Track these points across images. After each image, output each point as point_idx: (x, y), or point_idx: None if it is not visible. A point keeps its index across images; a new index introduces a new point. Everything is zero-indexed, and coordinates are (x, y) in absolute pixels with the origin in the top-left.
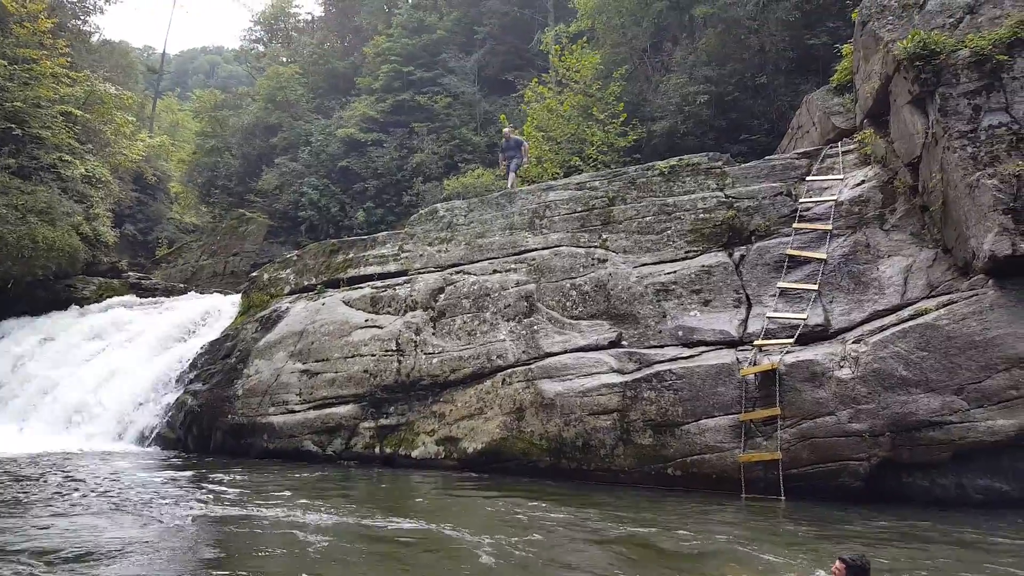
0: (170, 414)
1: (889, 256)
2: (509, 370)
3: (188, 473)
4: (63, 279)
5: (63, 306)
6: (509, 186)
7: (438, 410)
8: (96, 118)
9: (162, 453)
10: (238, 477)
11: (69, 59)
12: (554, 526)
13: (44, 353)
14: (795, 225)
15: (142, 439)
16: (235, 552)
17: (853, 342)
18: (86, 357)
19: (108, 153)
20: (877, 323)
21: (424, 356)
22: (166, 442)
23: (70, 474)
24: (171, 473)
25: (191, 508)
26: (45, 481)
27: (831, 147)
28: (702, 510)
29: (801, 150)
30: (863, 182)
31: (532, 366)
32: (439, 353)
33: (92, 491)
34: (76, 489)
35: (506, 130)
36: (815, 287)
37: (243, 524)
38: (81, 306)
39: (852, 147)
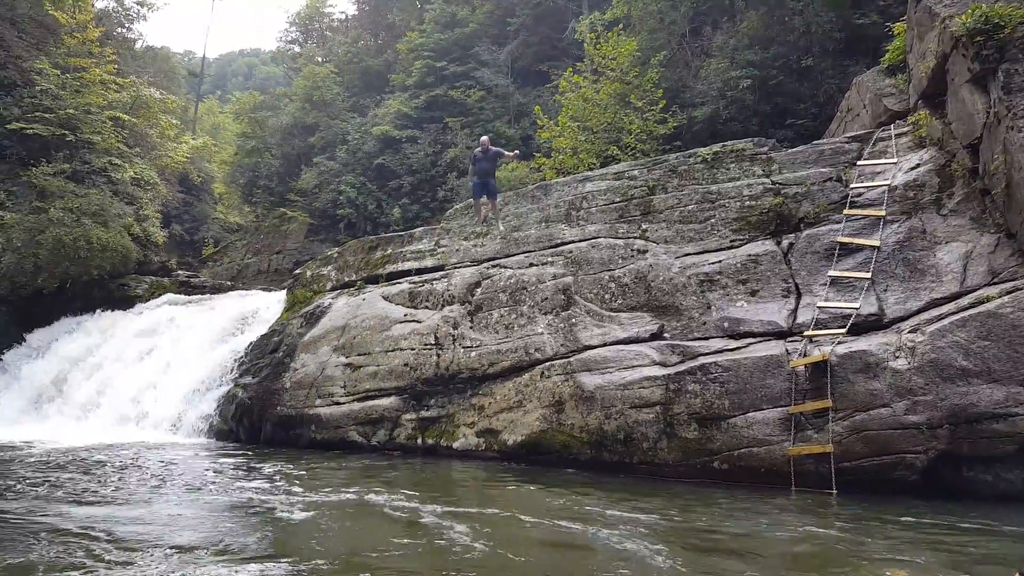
0: (222, 406)
1: (947, 242)
2: (547, 363)
3: (243, 461)
4: (117, 278)
5: (117, 304)
6: (482, 221)
7: (477, 403)
8: (142, 122)
9: (216, 443)
10: (290, 464)
11: (116, 66)
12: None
13: (101, 350)
14: (846, 212)
15: (196, 431)
16: (294, 532)
17: (909, 332)
18: (141, 353)
19: (155, 156)
20: (935, 312)
21: (462, 350)
22: (219, 433)
23: (135, 463)
24: (227, 460)
25: (251, 491)
26: (112, 470)
27: (883, 130)
28: (773, 503)
29: (851, 134)
30: (918, 166)
31: (571, 359)
32: (477, 347)
33: (156, 477)
34: (142, 476)
35: (484, 139)
36: (868, 275)
37: (302, 506)
38: (134, 304)
39: (906, 130)
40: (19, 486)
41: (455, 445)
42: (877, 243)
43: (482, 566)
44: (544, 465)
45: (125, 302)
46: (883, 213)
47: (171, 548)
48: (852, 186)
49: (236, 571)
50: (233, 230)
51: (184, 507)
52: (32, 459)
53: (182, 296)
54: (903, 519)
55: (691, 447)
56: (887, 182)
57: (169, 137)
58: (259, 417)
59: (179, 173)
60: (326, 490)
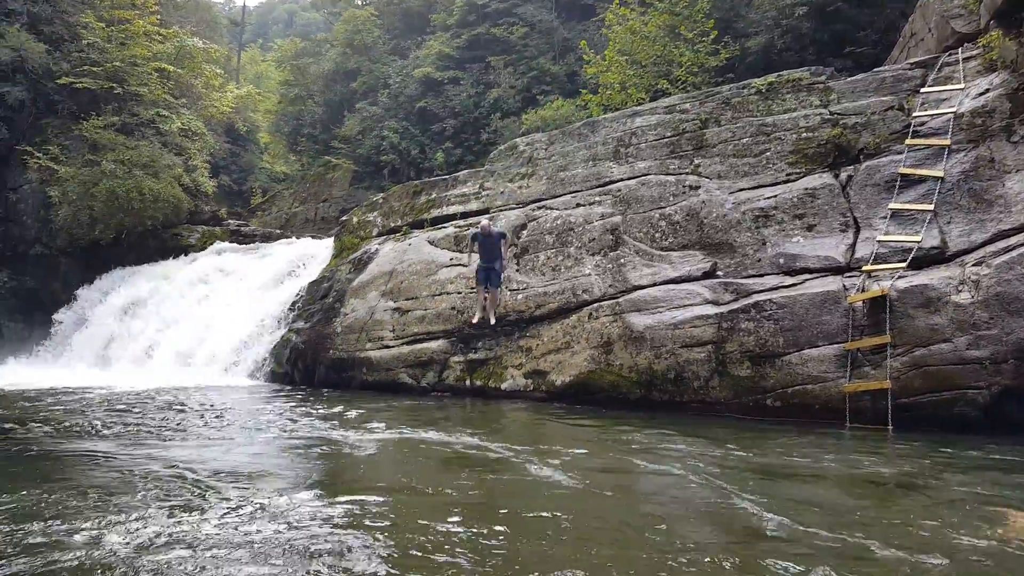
0: (276, 350)
1: (1017, 171)
2: (595, 304)
3: (301, 402)
4: (170, 228)
5: (172, 253)
6: (479, 314)
7: (525, 345)
8: (187, 73)
9: (271, 385)
10: (347, 405)
11: (158, 17)
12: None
13: (158, 297)
14: (908, 141)
15: (252, 373)
16: (367, 466)
17: (973, 264)
18: (196, 300)
19: (200, 106)
20: (1001, 244)
21: (509, 293)
22: (274, 376)
23: (201, 405)
24: (286, 402)
25: (316, 430)
26: (180, 412)
27: (950, 54)
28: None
29: (915, 60)
30: (987, 91)
31: (620, 300)
32: (524, 289)
33: (223, 417)
34: (211, 417)
35: (484, 222)
36: (931, 207)
37: (368, 443)
38: (188, 253)
39: (975, 53)
40: (103, 430)
41: (503, 386)
42: (941, 174)
43: (534, 496)
44: (592, 405)
45: (179, 251)
46: (948, 142)
47: (259, 484)
48: (915, 115)
49: (332, 503)
50: (280, 179)
51: (259, 446)
52: (104, 403)
53: (233, 244)
54: (970, 453)
55: (743, 385)
56: (953, 109)
57: (214, 87)
58: (312, 360)
59: (225, 123)
60: (384, 428)
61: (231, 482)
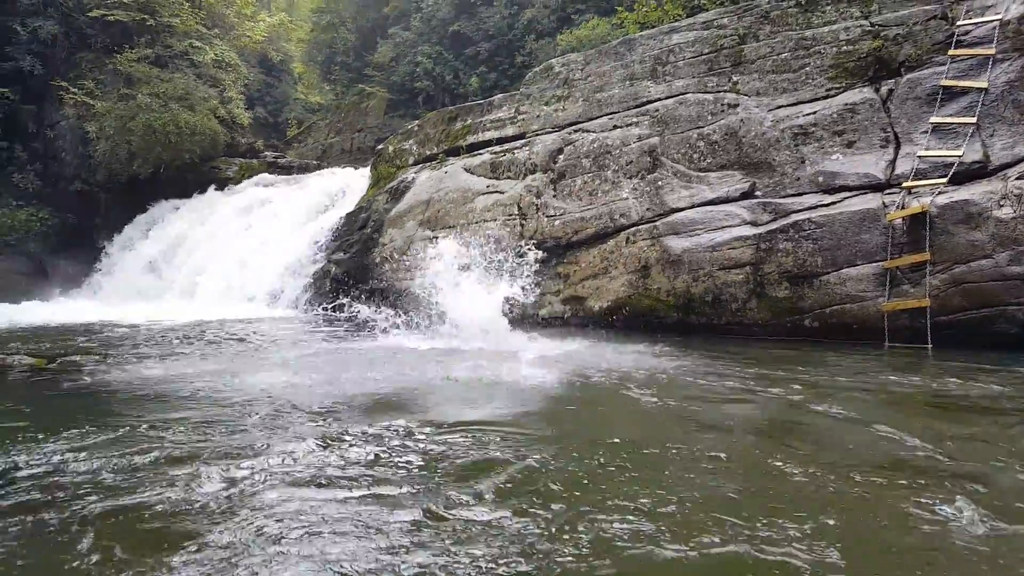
0: (317, 281)
1: None
2: (633, 228)
3: (344, 330)
4: (208, 161)
5: (210, 186)
6: None
7: (562, 271)
8: (219, 2)
9: (314, 315)
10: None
11: None
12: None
13: (200, 230)
14: (951, 52)
15: (293, 305)
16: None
17: (1016, 179)
18: (237, 232)
19: (233, 36)
20: None
21: (546, 219)
22: (315, 305)
23: (255, 333)
24: (330, 328)
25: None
26: (239, 339)
27: None
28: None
29: None
30: None
31: (657, 223)
32: (561, 215)
33: (278, 345)
34: (265, 343)
35: None
36: (973, 121)
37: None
38: (226, 186)
39: None
40: (167, 359)
41: (541, 313)
42: (985, 84)
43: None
44: (630, 329)
45: (218, 184)
46: (993, 51)
47: (344, 406)
48: (959, 24)
49: (418, 423)
50: (314, 110)
51: (324, 369)
52: (157, 335)
53: (271, 176)
54: (1010, 369)
55: (781, 306)
56: (999, 16)
57: (246, 16)
58: (352, 291)
59: (258, 54)
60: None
61: (322, 407)
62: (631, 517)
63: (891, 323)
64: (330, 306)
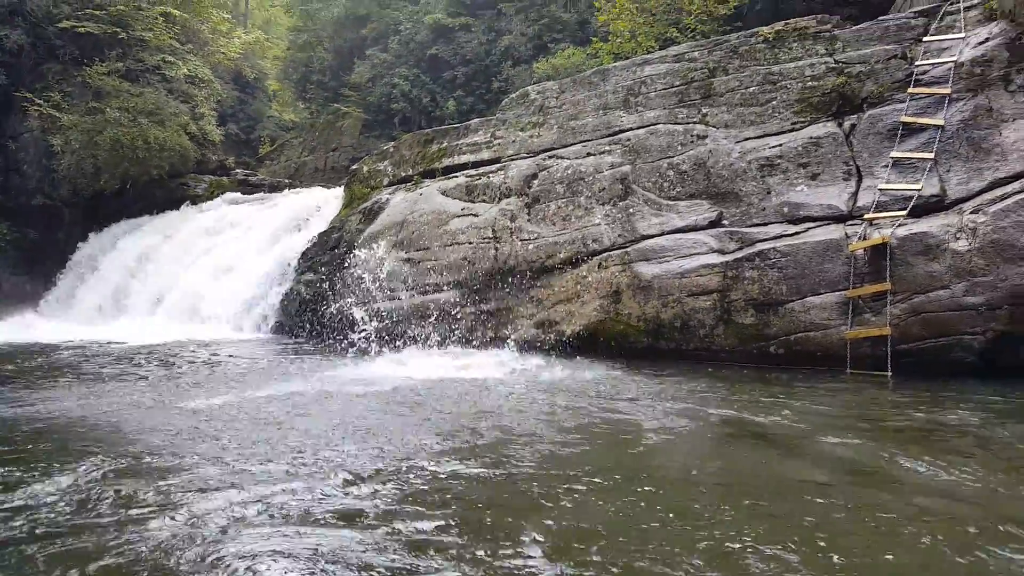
0: (285, 303)
1: (1014, 120)
2: (605, 254)
3: (312, 354)
4: (176, 178)
5: (178, 204)
6: None
7: (535, 295)
8: (193, 17)
9: (280, 339)
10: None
11: None
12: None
13: (165, 249)
14: (910, 90)
15: (260, 327)
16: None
17: (971, 212)
18: (204, 251)
19: (207, 52)
20: (998, 191)
21: (520, 243)
22: (282, 328)
23: (212, 357)
24: (296, 355)
25: (326, 371)
26: (197, 365)
27: (952, 3)
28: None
29: (918, 8)
30: (987, 40)
31: (628, 249)
32: (535, 239)
33: (234, 368)
34: (220, 366)
35: None
36: (931, 156)
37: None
38: (195, 203)
39: (976, 2)
40: (138, 383)
41: (513, 336)
42: (941, 122)
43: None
44: (601, 353)
45: (186, 201)
46: (948, 91)
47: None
48: (917, 63)
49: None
50: (288, 128)
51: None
52: (117, 357)
53: (241, 195)
54: (974, 398)
55: (747, 333)
56: (954, 58)
57: (221, 32)
58: (322, 313)
59: (232, 70)
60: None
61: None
62: None
63: (853, 351)
64: (303, 331)
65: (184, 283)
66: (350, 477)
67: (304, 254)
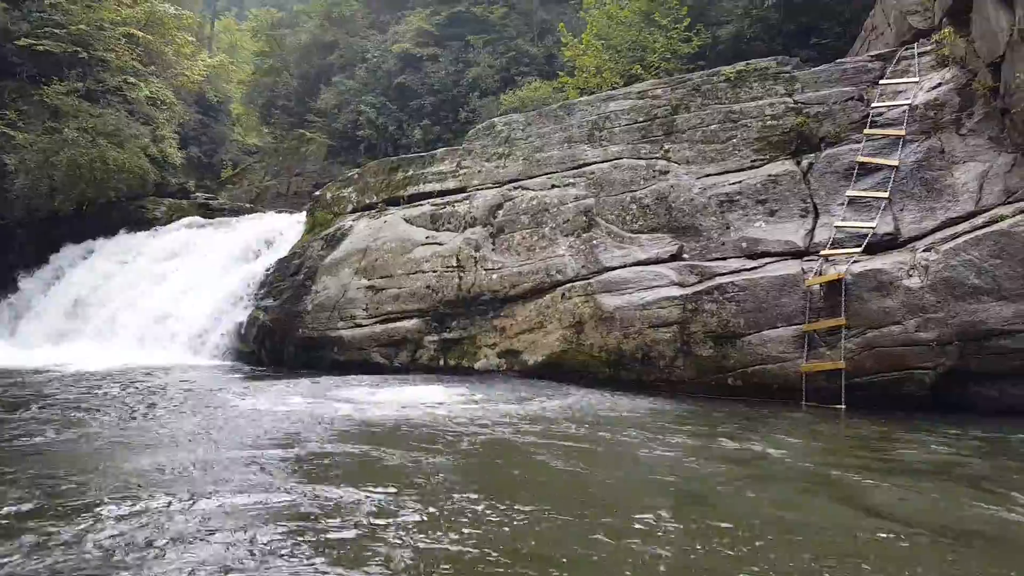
0: (244, 329)
1: (964, 162)
2: (568, 285)
3: (268, 379)
4: (134, 200)
5: (136, 227)
6: None
7: (499, 324)
8: (157, 39)
9: (238, 365)
10: (318, 384)
11: None
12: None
13: (121, 272)
14: (866, 131)
15: (218, 353)
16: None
17: (923, 250)
18: (161, 275)
19: (170, 75)
20: (949, 231)
21: (484, 272)
22: (240, 355)
23: (163, 384)
24: (254, 381)
25: (280, 402)
26: (142, 391)
27: (906, 49)
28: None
29: (874, 52)
30: (939, 85)
31: (591, 280)
32: (499, 269)
33: (186, 397)
34: (170, 396)
35: None
36: (885, 195)
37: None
38: (153, 227)
39: (929, 48)
40: (77, 413)
41: (476, 366)
42: (896, 163)
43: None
44: (563, 383)
45: (144, 224)
46: (903, 133)
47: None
48: (873, 105)
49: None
50: (251, 152)
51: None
52: (69, 383)
53: (201, 219)
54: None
55: (706, 365)
56: (908, 101)
57: (185, 55)
58: (281, 339)
59: (196, 93)
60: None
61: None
62: None
63: (809, 383)
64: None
65: (140, 307)
66: None
67: (264, 280)
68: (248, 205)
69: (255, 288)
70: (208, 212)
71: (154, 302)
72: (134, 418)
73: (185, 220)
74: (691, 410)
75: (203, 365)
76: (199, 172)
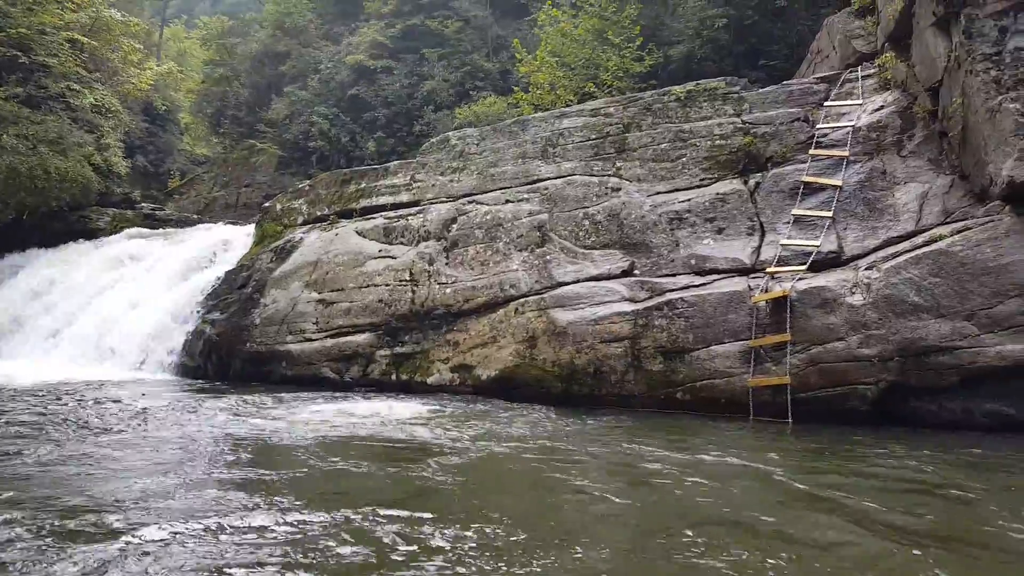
0: (189, 343)
1: (905, 183)
2: (522, 299)
3: (214, 395)
4: (77, 210)
5: (78, 237)
6: None
7: (452, 339)
8: (103, 45)
9: (183, 380)
10: (268, 400)
11: None
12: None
13: (62, 284)
14: (811, 152)
15: (163, 367)
16: (267, 454)
17: (866, 269)
18: (104, 288)
19: (116, 82)
20: (891, 250)
21: (438, 286)
22: (186, 370)
23: (101, 400)
24: (201, 396)
25: (225, 420)
26: (77, 407)
27: (851, 72)
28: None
29: (820, 75)
30: (882, 107)
31: (545, 295)
32: (452, 283)
33: (125, 414)
34: (108, 412)
35: None
36: (829, 214)
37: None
38: (96, 237)
39: (872, 72)
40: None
41: (429, 380)
42: (839, 183)
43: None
44: (516, 399)
45: (87, 235)
46: (847, 153)
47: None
48: (818, 127)
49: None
50: (200, 162)
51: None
52: (4, 399)
53: (147, 229)
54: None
55: (656, 379)
56: (852, 123)
57: (132, 63)
58: (228, 353)
59: (143, 101)
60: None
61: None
62: None
63: (755, 398)
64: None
65: (83, 320)
66: None
67: (211, 293)
68: (196, 216)
69: (202, 301)
70: (154, 223)
71: (97, 315)
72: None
73: (130, 231)
74: (630, 425)
75: (147, 380)
76: (145, 182)
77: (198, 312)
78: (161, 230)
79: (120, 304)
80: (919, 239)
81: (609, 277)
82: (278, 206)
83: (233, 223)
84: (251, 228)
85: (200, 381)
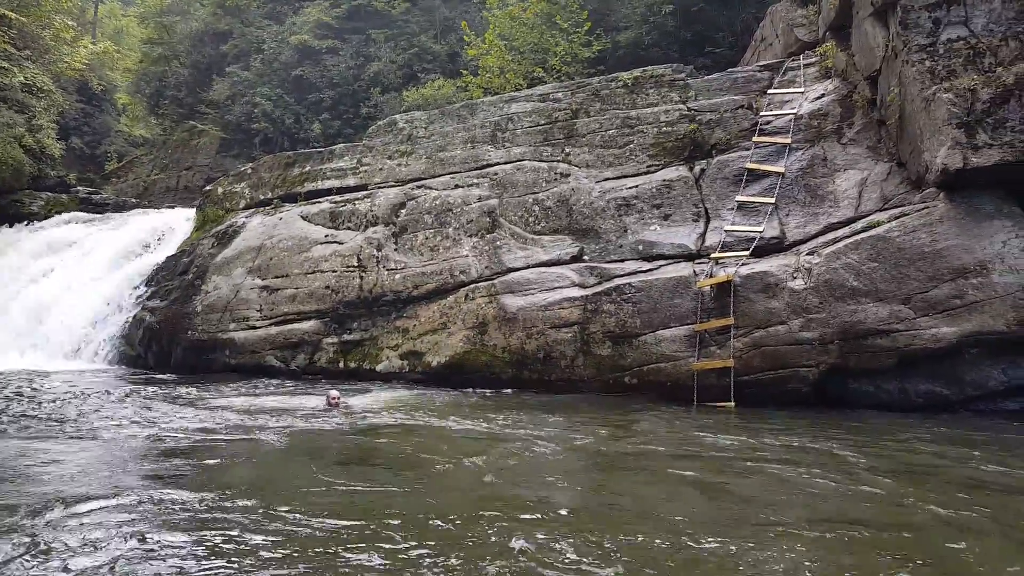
0: (128, 331)
1: (845, 170)
2: (472, 285)
3: (153, 387)
4: (8, 194)
5: (10, 222)
6: None
7: (401, 325)
8: (32, 22)
9: (121, 370)
10: (205, 390)
11: None
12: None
13: None
14: (755, 139)
15: (100, 357)
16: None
17: (807, 254)
18: (37, 274)
19: (48, 60)
20: (831, 235)
21: (386, 272)
22: (125, 359)
23: (30, 391)
24: (137, 387)
25: (158, 415)
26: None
27: (793, 60)
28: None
29: (763, 63)
30: (823, 96)
31: (495, 281)
32: (402, 269)
33: (55, 406)
34: (38, 405)
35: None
36: (772, 201)
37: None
38: (29, 222)
39: (813, 60)
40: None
41: (378, 368)
42: (782, 170)
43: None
44: (466, 385)
45: (19, 219)
46: (789, 141)
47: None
48: (762, 114)
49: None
50: (138, 144)
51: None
52: None
53: (83, 214)
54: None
55: (605, 364)
56: (794, 111)
57: (65, 40)
58: (169, 342)
59: (77, 81)
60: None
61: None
62: None
63: (700, 381)
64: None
65: (13, 309)
66: None
67: (150, 279)
68: (134, 200)
69: (142, 287)
70: (91, 207)
71: (29, 303)
72: None
73: (65, 215)
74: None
75: (84, 370)
76: (81, 164)
77: (137, 299)
78: (98, 214)
79: (54, 291)
80: (858, 225)
81: (559, 263)
82: (220, 189)
83: (173, 207)
84: (192, 212)
85: (140, 371)
